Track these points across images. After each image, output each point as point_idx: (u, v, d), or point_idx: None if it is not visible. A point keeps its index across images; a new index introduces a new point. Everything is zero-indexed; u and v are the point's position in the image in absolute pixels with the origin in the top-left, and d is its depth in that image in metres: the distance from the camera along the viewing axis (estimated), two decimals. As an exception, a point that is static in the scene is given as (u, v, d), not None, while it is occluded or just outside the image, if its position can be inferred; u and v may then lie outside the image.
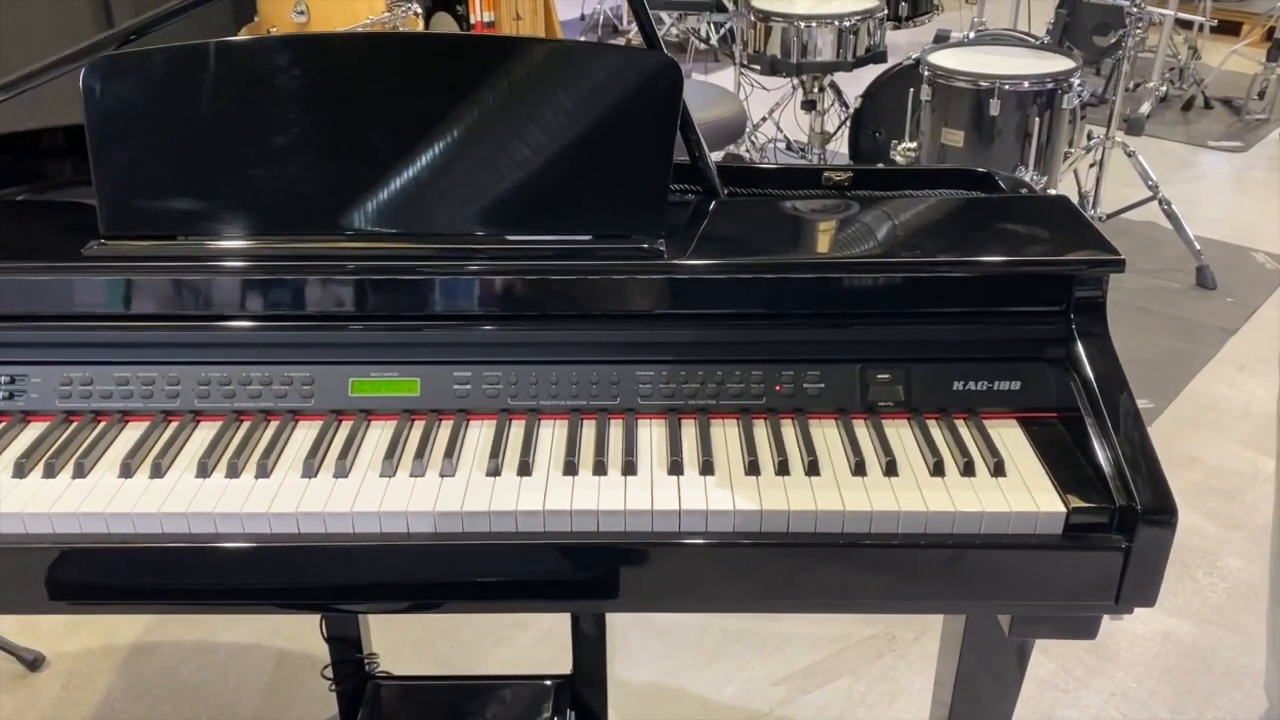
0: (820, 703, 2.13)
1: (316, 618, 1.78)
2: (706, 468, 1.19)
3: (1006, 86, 3.25)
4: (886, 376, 1.27)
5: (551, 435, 1.24)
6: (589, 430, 1.24)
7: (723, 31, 5.15)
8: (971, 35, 3.82)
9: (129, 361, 1.28)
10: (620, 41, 5.56)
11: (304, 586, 1.20)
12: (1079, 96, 3.38)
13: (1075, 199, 3.79)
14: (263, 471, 1.18)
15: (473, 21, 4.62)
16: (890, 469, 1.18)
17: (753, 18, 3.83)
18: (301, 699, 2.15)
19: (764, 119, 4.38)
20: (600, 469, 1.19)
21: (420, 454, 1.20)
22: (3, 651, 2.21)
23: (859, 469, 1.18)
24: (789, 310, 1.29)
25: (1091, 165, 3.80)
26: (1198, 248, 3.70)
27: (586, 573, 1.17)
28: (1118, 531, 1.13)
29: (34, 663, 2.22)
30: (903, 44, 4.89)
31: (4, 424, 1.26)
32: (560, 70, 1.28)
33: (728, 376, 1.27)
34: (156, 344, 1.28)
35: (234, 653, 2.26)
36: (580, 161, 1.28)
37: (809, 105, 4.03)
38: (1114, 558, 1.13)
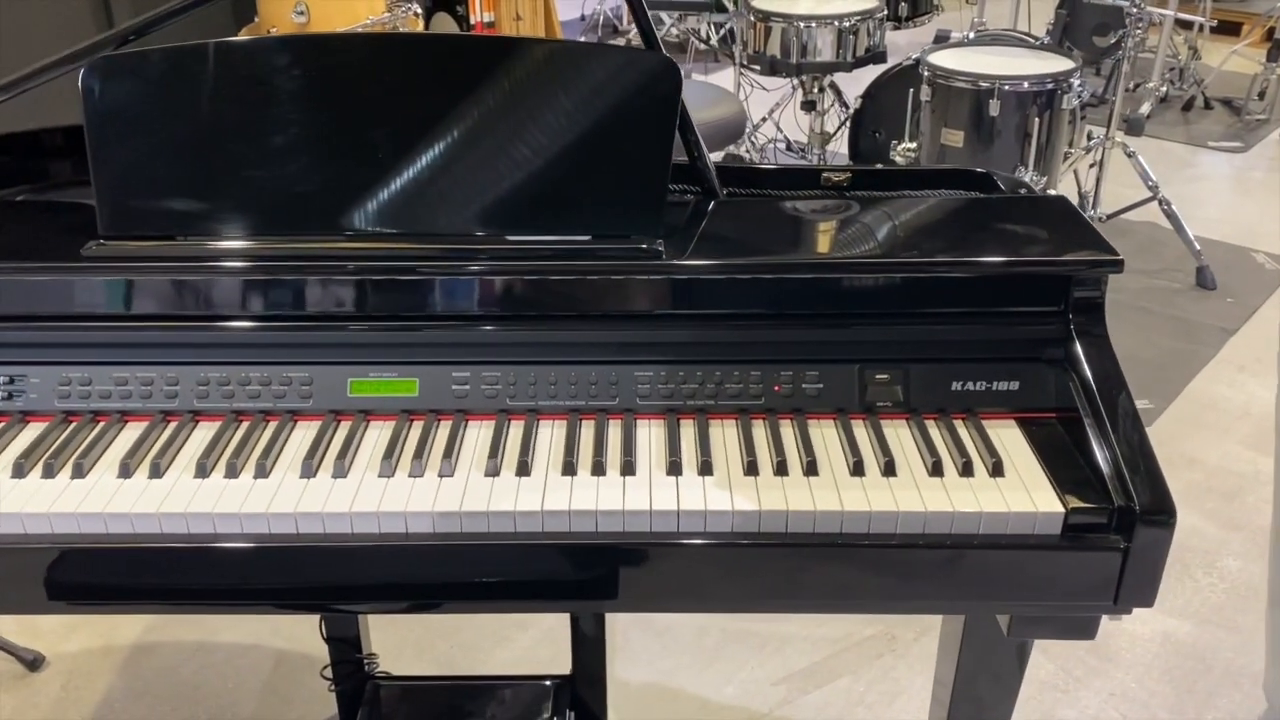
0: (820, 703, 2.13)
1: (316, 618, 1.78)
2: (705, 468, 1.19)
3: (1006, 87, 3.25)
4: (885, 377, 1.27)
5: (550, 435, 1.24)
6: (587, 430, 1.24)
7: (723, 32, 5.15)
8: (971, 35, 3.82)
9: (128, 362, 1.28)
10: (620, 42, 5.56)
11: (303, 586, 1.20)
12: (1079, 97, 3.38)
13: (1075, 199, 3.80)
14: (261, 472, 1.19)
15: (473, 22, 4.62)
16: (889, 469, 1.18)
17: (752, 18, 3.83)
18: (301, 699, 2.15)
19: (764, 119, 4.38)
20: (599, 469, 1.19)
21: (419, 454, 1.20)
22: (2, 652, 2.21)
23: (857, 469, 1.18)
24: (787, 310, 1.29)
25: (1091, 166, 3.80)
26: (1198, 248, 3.70)
27: (585, 573, 1.17)
28: (1116, 532, 1.13)
29: (34, 663, 2.22)
30: (903, 44, 4.90)
31: (3, 424, 1.26)
32: (559, 71, 1.28)
33: (726, 377, 1.27)
34: (155, 344, 1.28)
35: (234, 653, 2.26)
36: (579, 162, 1.28)
37: (809, 106, 4.03)
38: (1112, 558, 1.13)
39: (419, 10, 3.76)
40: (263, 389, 1.27)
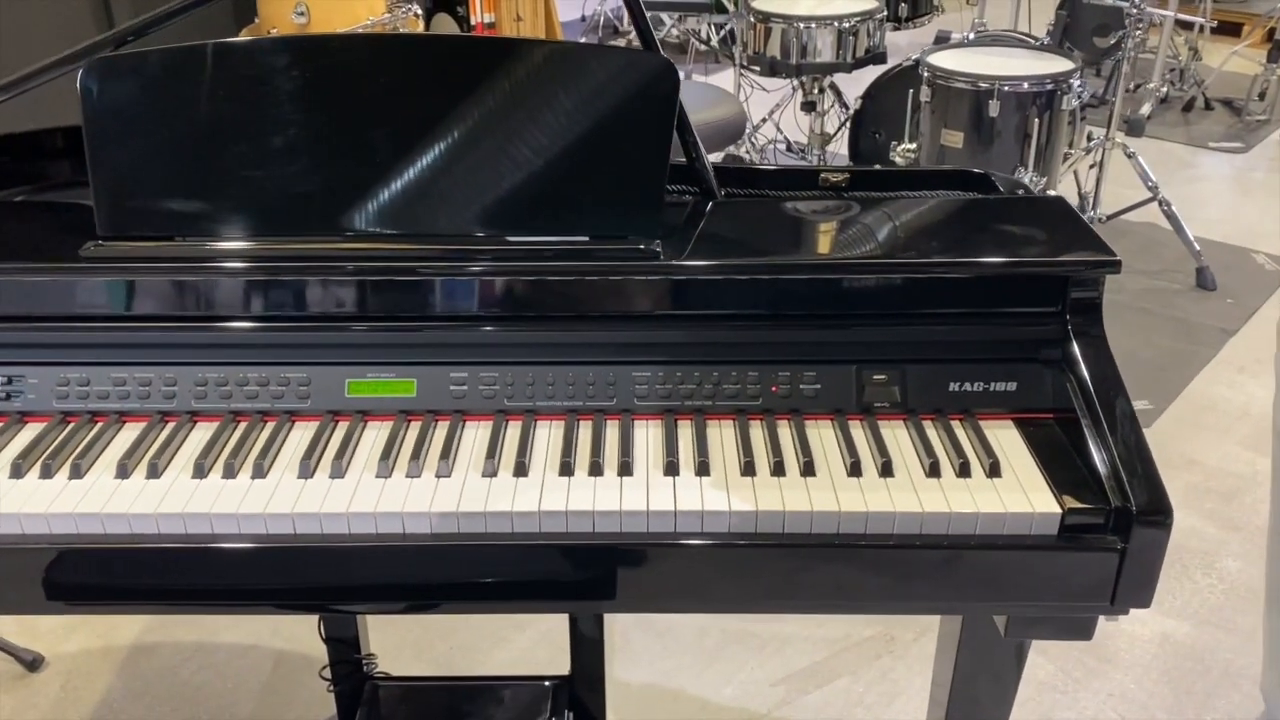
0: (819, 703, 2.13)
1: (315, 618, 1.78)
2: (702, 468, 1.19)
3: (1006, 88, 3.25)
4: (883, 377, 1.27)
5: (548, 436, 1.24)
6: (585, 431, 1.24)
7: (723, 33, 5.15)
8: (971, 36, 3.83)
9: (126, 362, 1.28)
10: (621, 43, 5.56)
11: (301, 587, 1.20)
12: (1079, 98, 3.38)
13: (1075, 200, 3.80)
14: (259, 472, 1.19)
15: (473, 23, 4.62)
16: (886, 470, 1.18)
17: (752, 19, 3.84)
18: (300, 699, 2.15)
19: (764, 120, 4.38)
20: (596, 470, 1.19)
21: (416, 455, 1.20)
22: (2, 652, 2.21)
23: (855, 470, 1.18)
24: (785, 311, 1.29)
25: (1091, 166, 3.80)
26: (1198, 249, 3.70)
27: (583, 573, 1.17)
28: (1113, 532, 1.13)
29: (33, 663, 2.22)
30: (903, 45, 4.90)
31: (1, 424, 1.26)
32: (557, 72, 1.28)
33: (724, 377, 1.27)
34: (153, 344, 1.28)
35: (233, 653, 2.27)
36: (577, 162, 1.28)
37: (809, 106, 4.03)
38: (1109, 559, 1.13)
39: (419, 11, 3.76)
40: (260, 389, 1.27)
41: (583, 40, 5.60)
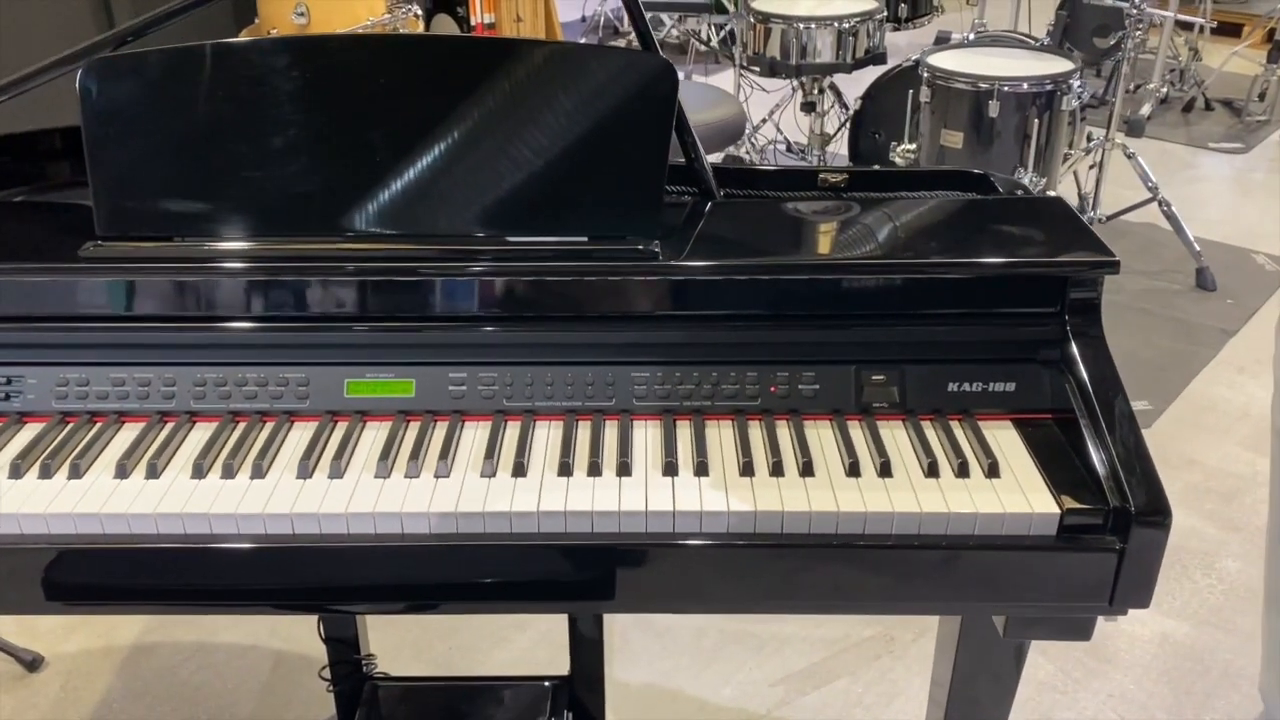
0: (818, 704, 2.13)
1: (314, 619, 1.79)
2: (701, 469, 1.19)
3: (1005, 88, 3.25)
4: (881, 378, 1.27)
5: (547, 436, 1.24)
6: (584, 431, 1.24)
7: (723, 33, 5.15)
8: (971, 37, 3.83)
9: (125, 362, 1.28)
10: (621, 43, 5.56)
11: (300, 587, 1.20)
12: (1078, 98, 3.38)
13: (1075, 201, 3.80)
14: (258, 472, 1.19)
15: (473, 23, 4.62)
16: (884, 470, 1.18)
17: (752, 19, 3.84)
18: (299, 700, 2.15)
19: (764, 121, 4.38)
20: (595, 470, 1.19)
21: (415, 455, 1.20)
22: (2, 652, 2.21)
23: (853, 470, 1.18)
24: (784, 311, 1.29)
25: (1091, 167, 3.80)
26: (1198, 249, 3.70)
27: (582, 574, 1.17)
28: (1112, 533, 1.13)
29: (33, 663, 2.22)
30: (903, 45, 4.90)
31: (0, 424, 1.26)
32: (556, 72, 1.28)
33: (723, 378, 1.27)
34: (152, 345, 1.28)
35: (232, 653, 2.27)
36: (576, 163, 1.28)
37: (809, 107, 4.03)
38: (1108, 559, 1.13)
39: (419, 11, 3.76)
40: (259, 389, 1.27)
41: (583, 41, 5.60)
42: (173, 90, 1.26)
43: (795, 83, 4.00)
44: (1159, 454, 1.15)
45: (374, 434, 1.25)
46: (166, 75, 1.26)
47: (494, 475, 1.18)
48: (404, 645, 2.26)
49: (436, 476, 1.18)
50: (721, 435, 1.24)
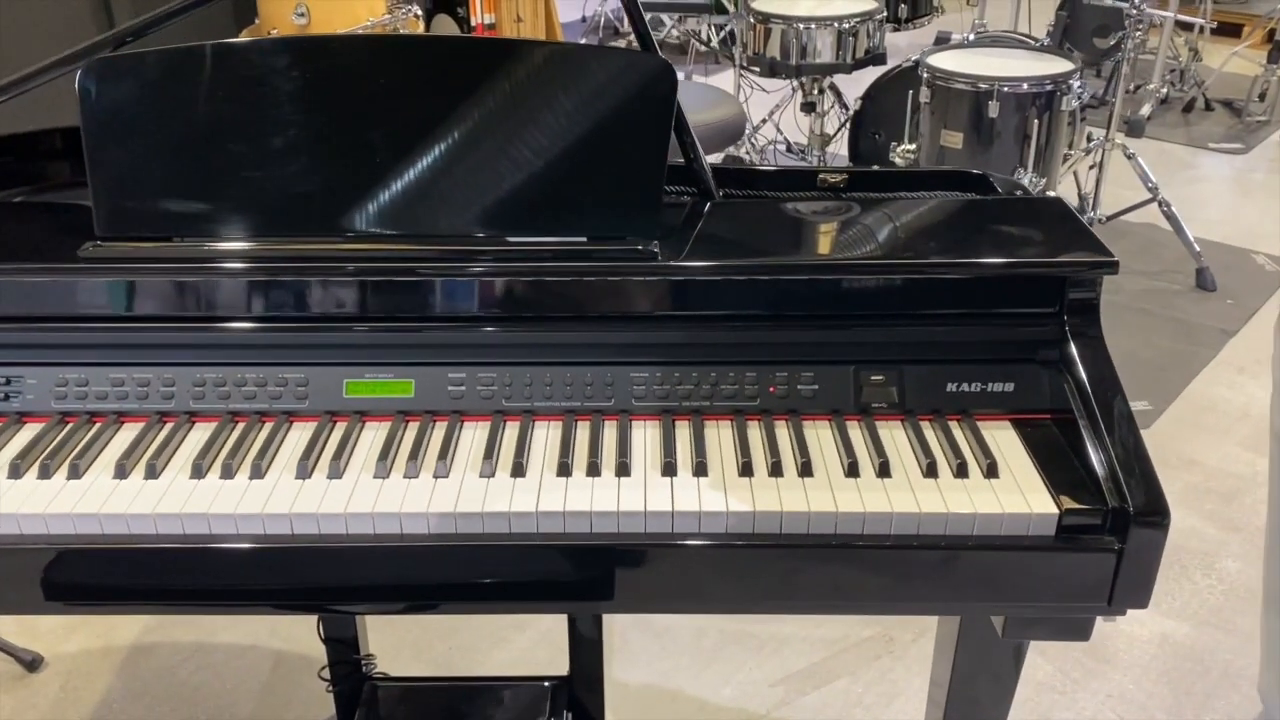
0: (818, 704, 2.13)
1: (314, 619, 1.79)
2: (700, 469, 1.19)
3: (1005, 88, 3.25)
4: (880, 378, 1.27)
5: (545, 436, 1.24)
6: (583, 431, 1.24)
7: (723, 34, 5.16)
8: (971, 37, 3.83)
9: (124, 363, 1.28)
10: (621, 44, 5.56)
11: (299, 587, 1.20)
12: (1078, 98, 3.38)
13: (1075, 201, 3.80)
14: (257, 472, 1.19)
15: (473, 23, 4.63)
16: (883, 470, 1.18)
17: (752, 20, 3.84)
18: (299, 700, 2.16)
19: (764, 121, 4.38)
20: (594, 470, 1.19)
21: (414, 455, 1.20)
22: (2, 652, 2.21)
23: (852, 470, 1.18)
24: (783, 312, 1.29)
25: (1091, 167, 3.80)
26: (1198, 249, 3.70)
27: (581, 574, 1.17)
28: (1110, 533, 1.13)
29: (32, 663, 2.22)
30: (903, 46, 4.90)
31: (0, 424, 1.26)
32: (556, 73, 1.28)
33: (722, 378, 1.27)
34: (152, 345, 1.29)
35: (232, 654, 2.27)
36: (575, 163, 1.28)
37: (808, 107, 4.03)
38: (1106, 559, 1.13)
39: (419, 12, 3.76)
40: (259, 390, 1.27)
41: (583, 41, 5.61)
42: (172, 90, 1.26)
43: (795, 83, 4.01)
44: (1159, 454, 1.15)
45: (373, 434, 1.25)
46: (166, 76, 1.26)
47: (493, 475, 1.18)
48: (404, 645, 2.26)
49: (435, 477, 1.18)
50: (720, 435, 1.24)
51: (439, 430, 1.25)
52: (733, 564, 1.16)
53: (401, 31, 3.59)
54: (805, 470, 1.18)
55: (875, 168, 2.22)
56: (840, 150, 4.24)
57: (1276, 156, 4.85)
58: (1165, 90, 5.14)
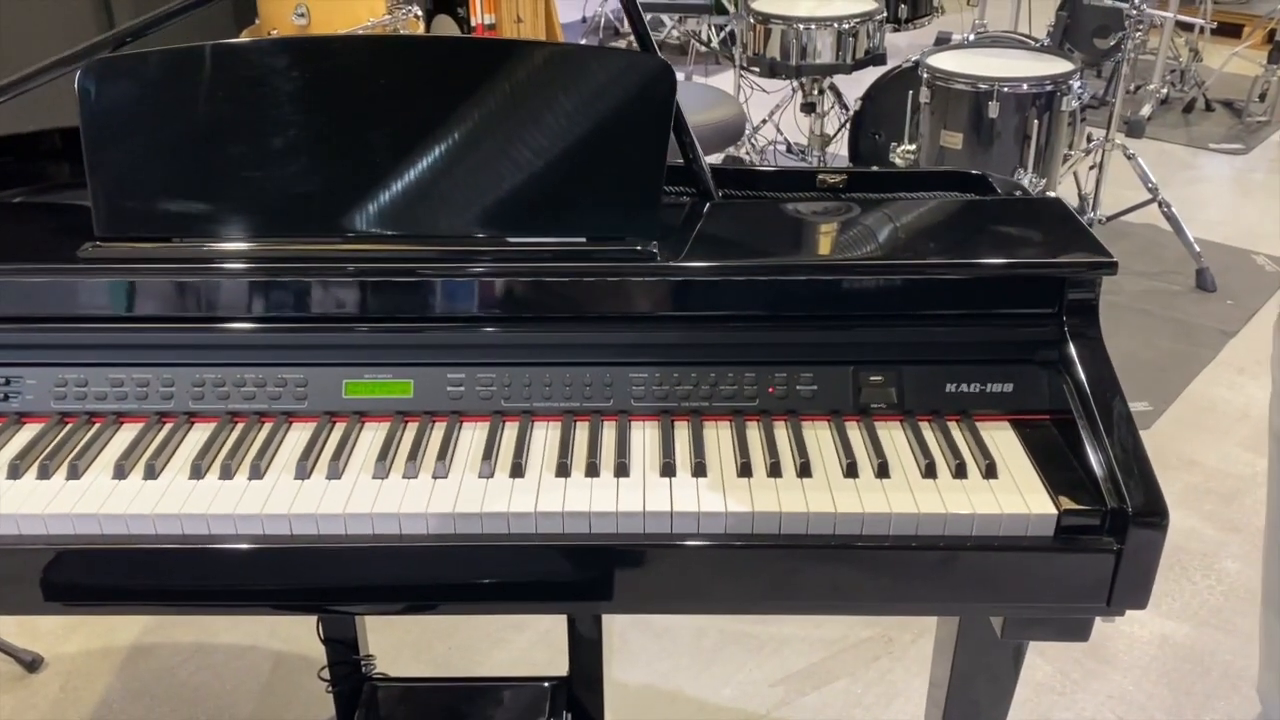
0: (817, 704, 2.13)
1: (313, 619, 1.79)
2: (699, 469, 1.19)
3: (1005, 89, 3.25)
4: (879, 378, 1.27)
5: (545, 437, 1.24)
6: (582, 432, 1.24)
7: (723, 34, 5.16)
8: (971, 38, 3.83)
9: (124, 363, 1.28)
10: (621, 44, 5.56)
11: (298, 588, 1.20)
12: (1078, 99, 3.38)
13: (1075, 201, 3.80)
14: (256, 473, 1.19)
15: (473, 24, 4.63)
16: (882, 471, 1.18)
17: (752, 20, 3.84)
18: (299, 700, 2.16)
19: (764, 121, 4.38)
20: (593, 470, 1.19)
21: (413, 455, 1.20)
22: (2, 653, 2.22)
23: (851, 471, 1.18)
24: (782, 312, 1.29)
25: (1091, 168, 3.80)
26: (1198, 250, 3.70)
27: (580, 574, 1.18)
28: (1109, 534, 1.13)
29: (32, 664, 2.22)
30: (903, 46, 4.90)
31: (-1, 425, 1.26)
32: (555, 73, 1.28)
33: (721, 378, 1.27)
34: (151, 345, 1.29)
35: (231, 654, 2.27)
36: (575, 164, 1.28)
37: (808, 108, 4.03)
38: (1105, 560, 1.13)
39: (419, 12, 3.76)
40: (258, 390, 1.27)
41: (583, 42, 5.61)
42: (172, 91, 1.27)
43: (795, 83, 4.01)
44: (1159, 455, 1.15)
45: (372, 434, 1.25)
46: (166, 76, 1.26)
47: (492, 476, 1.19)
48: (403, 646, 2.26)
49: (434, 477, 1.18)
50: (719, 436, 1.24)
51: (438, 431, 1.25)
52: (731, 564, 1.16)
53: (401, 32, 3.59)
54: (804, 471, 1.18)
55: (875, 168, 2.23)
56: (840, 151, 4.24)
57: (1277, 157, 4.85)
58: (1165, 91, 5.14)
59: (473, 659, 2.25)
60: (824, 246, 1.36)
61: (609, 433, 1.24)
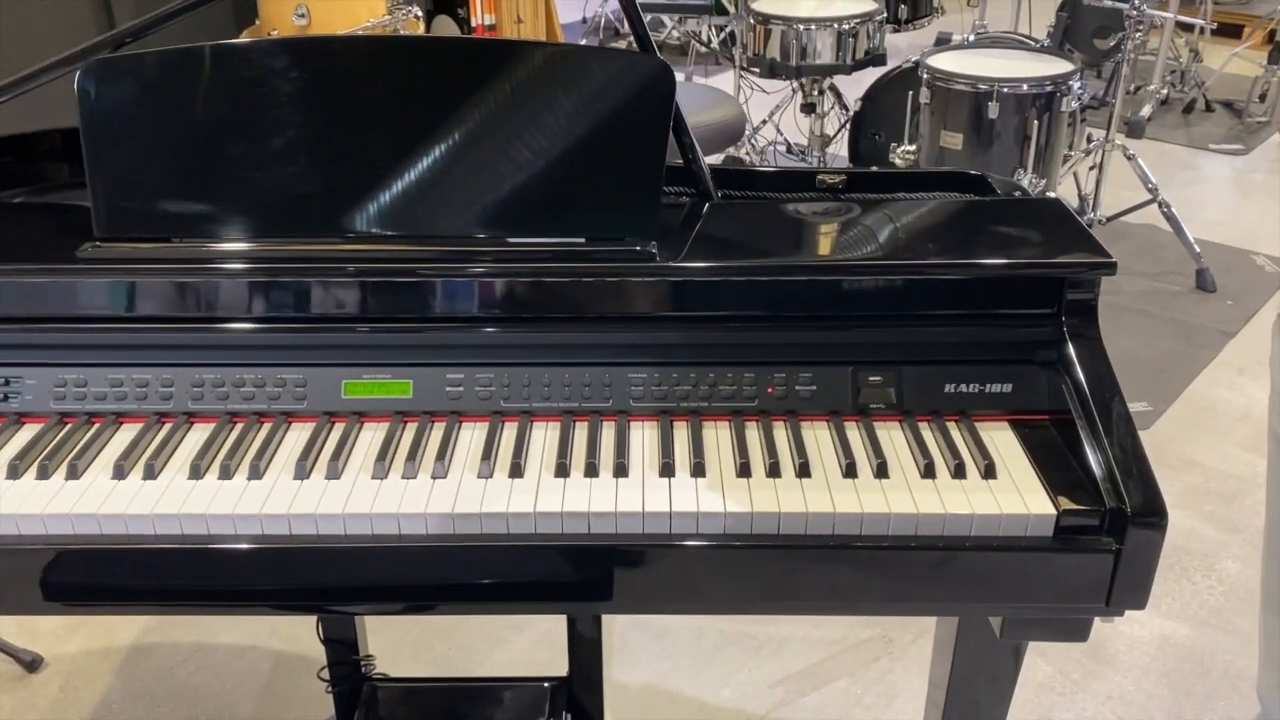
0: (817, 705, 2.13)
1: (313, 619, 1.79)
2: (698, 469, 1.19)
3: (1005, 89, 3.26)
4: (878, 379, 1.28)
5: (544, 437, 1.24)
6: (581, 432, 1.24)
7: (723, 35, 5.16)
8: (971, 38, 3.83)
9: (123, 363, 1.28)
10: (621, 45, 5.56)
11: (297, 588, 1.20)
12: (1078, 99, 3.38)
13: (1075, 202, 3.80)
14: (255, 473, 1.19)
15: (473, 24, 4.63)
16: (881, 471, 1.18)
17: (752, 21, 3.84)
18: (298, 700, 2.16)
19: (764, 122, 4.38)
20: (592, 471, 1.19)
21: (412, 456, 1.20)
22: (2, 653, 2.22)
23: (850, 471, 1.18)
24: (781, 313, 1.29)
25: (1091, 168, 3.80)
26: (1198, 250, 3.70)
27: (579, 574, 1.18)
28: (1108, 534, 1.13)
29: (32, 664, 2.22)
30: (903, 47, 4.90)
31: (-1, 425, 1.26)
32: (555, 74, 1.28)
33: (720, 378, 1.27)
34: (150, 346, 1.29)
35: (231, 654, 2.27)
36: (574, 164, 1.28)
37: (808, 108, 4.03)
38: (1104, 560, 1.13)
39: (419, 13, 3.76)
40: (257, 390, 1.27)
41: (583, 42, 5.61)
42: (172, 91, 1.27)
43: (795, 84, 4.01)
44: (1158, 455, 1.15)
45: (371, 435, 1.25)
46: (166, 76, 1.26)
47: (491, 476, 1.19)
48: (403, 646, 2.27)
49: (434, 477, 1.18)
50: (718, 436, 1.24)
51: (437, 431, 1.25)
52: (731, 564, 1.16)
53: (402, 32, 3.59)
54: (803, 471, 1.18)
55: (874, 169, 2.23)
56: (840, 151, 4.24)
57: (1277, 157, 4.85)
58: (1165, 91, 5.14)
59: (473, 659, 2.25)
60: (823, 247, 1.36)
61: (608, 433, 1.24)
